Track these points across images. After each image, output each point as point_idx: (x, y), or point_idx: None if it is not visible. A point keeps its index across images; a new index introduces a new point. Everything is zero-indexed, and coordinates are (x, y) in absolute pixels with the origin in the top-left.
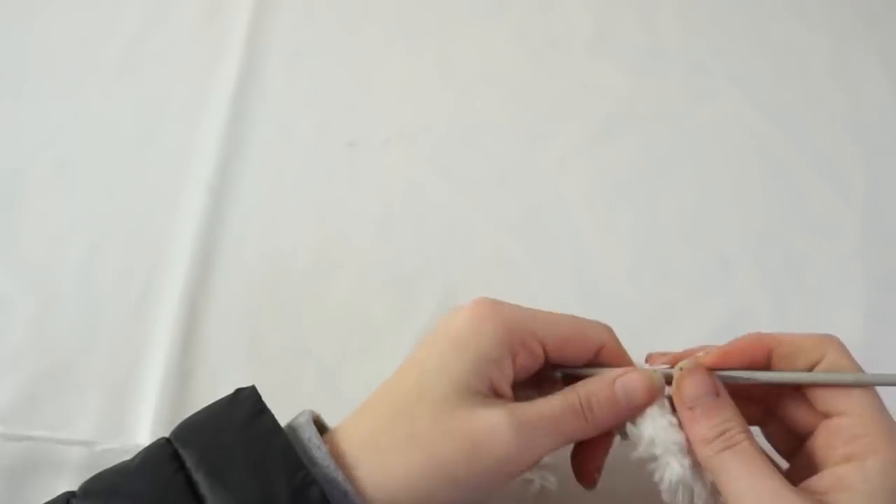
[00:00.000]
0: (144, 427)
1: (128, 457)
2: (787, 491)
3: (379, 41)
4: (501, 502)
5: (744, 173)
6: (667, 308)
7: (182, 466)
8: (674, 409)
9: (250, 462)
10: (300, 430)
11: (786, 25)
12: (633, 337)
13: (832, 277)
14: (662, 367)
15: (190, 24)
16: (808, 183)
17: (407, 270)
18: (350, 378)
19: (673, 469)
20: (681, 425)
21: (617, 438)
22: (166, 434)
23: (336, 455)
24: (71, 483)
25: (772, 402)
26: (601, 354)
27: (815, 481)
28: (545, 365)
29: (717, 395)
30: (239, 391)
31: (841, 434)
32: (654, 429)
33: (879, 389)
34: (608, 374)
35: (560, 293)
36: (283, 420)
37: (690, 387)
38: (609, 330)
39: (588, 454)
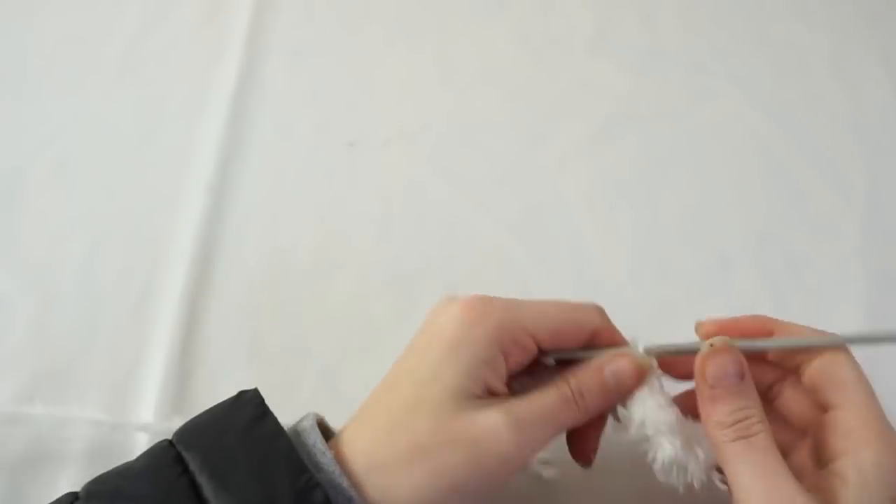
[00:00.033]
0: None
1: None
2: (800, 497)
3: (379, 41)
4: (501, 502)
5: (744, 173)
6: (667, 308)
7: (186, 469)
8: (663, 390)
9: (253, 465)
10: (304, 434)
11: (786, 25)
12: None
13: (832, 277)
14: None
15: (190, 23)
16: (808, 183)
17: (407, 270)
18: (350, 378)
19: (665, 449)
20: (670, 405)
21: (610, 420)
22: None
23: (340, 461)
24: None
25: (771, 396)
26: (593, 337)
27: (814, 475)
28: (538, 353)
29: (742, 378)
30: (242, 393)
31: (836, 428)
32: (644, 410)
33: (879, 389)
34: (597, 361)
35: (560, 293)
36: (283, 419)
37: (717, 366)
38: (600, 311)
39: (582, 437)
